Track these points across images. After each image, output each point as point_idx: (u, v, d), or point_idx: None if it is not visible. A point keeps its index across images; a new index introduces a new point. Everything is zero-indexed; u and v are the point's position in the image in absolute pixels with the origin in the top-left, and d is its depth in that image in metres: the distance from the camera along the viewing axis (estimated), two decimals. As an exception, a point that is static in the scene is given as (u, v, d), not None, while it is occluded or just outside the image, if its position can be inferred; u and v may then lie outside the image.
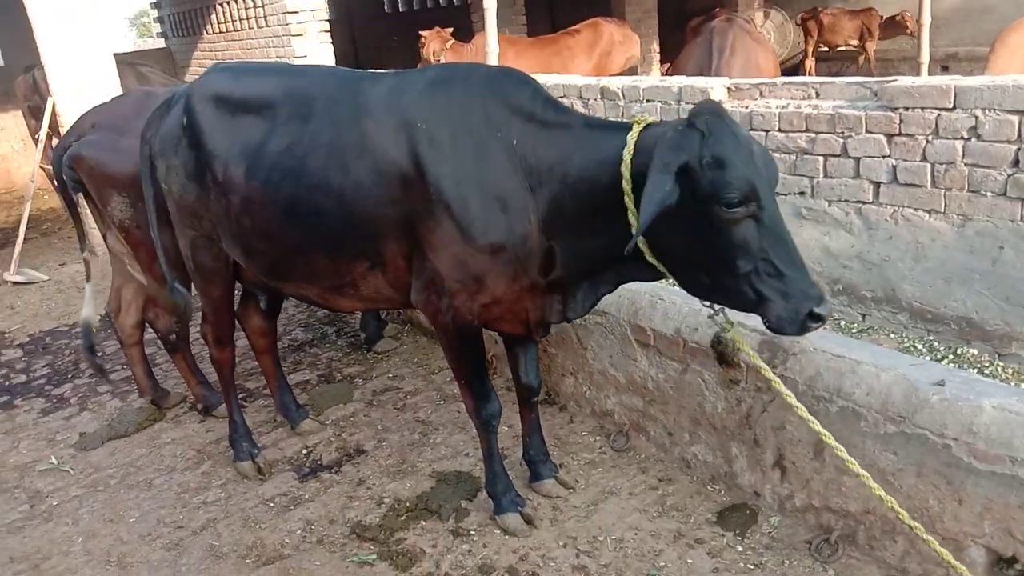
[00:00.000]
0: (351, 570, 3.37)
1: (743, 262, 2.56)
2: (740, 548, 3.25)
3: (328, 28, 9.02)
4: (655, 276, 2.95)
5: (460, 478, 3.88)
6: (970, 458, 2.69)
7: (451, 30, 10.72)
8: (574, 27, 11.01)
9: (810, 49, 13.61)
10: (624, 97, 5.67)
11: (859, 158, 4.48)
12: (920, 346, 4.37)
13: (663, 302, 3.77)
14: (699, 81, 5.30)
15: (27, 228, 8.33)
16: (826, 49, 13.68)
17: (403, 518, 3.64)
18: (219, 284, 3.92)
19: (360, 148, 3.12)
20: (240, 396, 4.64)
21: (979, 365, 4.10)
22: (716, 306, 2.89)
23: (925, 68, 7.35)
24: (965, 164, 4.08)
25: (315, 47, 8.85)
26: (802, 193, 4.78)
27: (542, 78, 5.86)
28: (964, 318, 4.25)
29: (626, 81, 5.78)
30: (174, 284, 3.90)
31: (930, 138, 4.16)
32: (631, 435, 4.01)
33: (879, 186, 4.46)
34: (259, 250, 3.53)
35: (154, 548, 3.64)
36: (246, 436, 4.23)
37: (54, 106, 8.00)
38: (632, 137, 2.74)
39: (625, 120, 3.01)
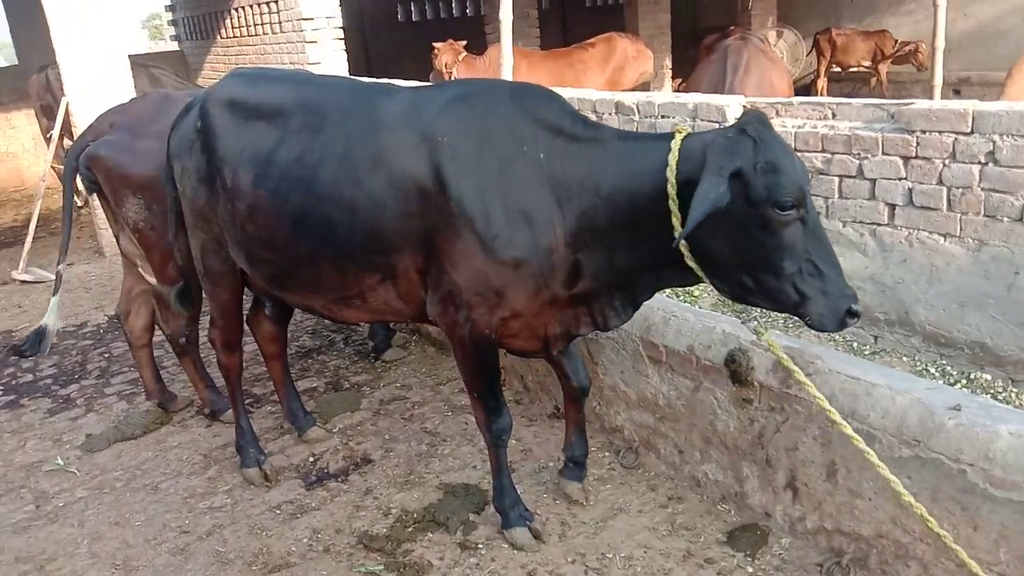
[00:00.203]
0: (357, 580, 3.36)
1: (789, 263, 2.67)
2: (750, 569, 3.22)
3: (342, 35, 9.04)
4: (693, 280, 2.99)
5: (468, 490, 3.86)
6: (986, 484, 2.67)
7: (464, 42, 10.75)
8: (588, 41, 11.05)
9: (822, 69, 13.63)
10: (639, 112, 5.68)
11: (875, 180, 4.47)
12: (933, 370, 4.35)
13: (676, 319, 3.76)
14: (715, 98, 5.31)
15: (36, 227, 8.33)
16: (838, 69, 13.69)
17: (410, 529, 3.62)
18: (227, 288, 3.91)
19: (376, 161, 3.12)
20: (247, 402, 4.63)
21: (992, 391, 4.08)
22: (750, 311, 2.94)
23: (938, 91, 7.35)
24: (982, 189, 4.07)
25: (329, 54, 8.87)
26: (816, 213, 4.77)
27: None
28: (978, 343, 4.24)
29: (641, 96, 5.79)
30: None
31: (947, 162, 4.16)
32: (641, 452, 3.99)
33: (894, 208, 4.45)
34: (264, 258, 3.53)
35: (160, 552, 3.62)
36: (253, 442, 4.21)
37: (67, 106, 8.02)
38: (676, 145, 2.78)
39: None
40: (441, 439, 4.36)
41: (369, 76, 11.14)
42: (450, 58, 10.46)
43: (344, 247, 3.24)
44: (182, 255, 3.92)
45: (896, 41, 12.83)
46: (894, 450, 2.90)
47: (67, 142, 8.45)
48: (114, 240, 4.78)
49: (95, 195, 4.40)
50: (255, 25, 9.87)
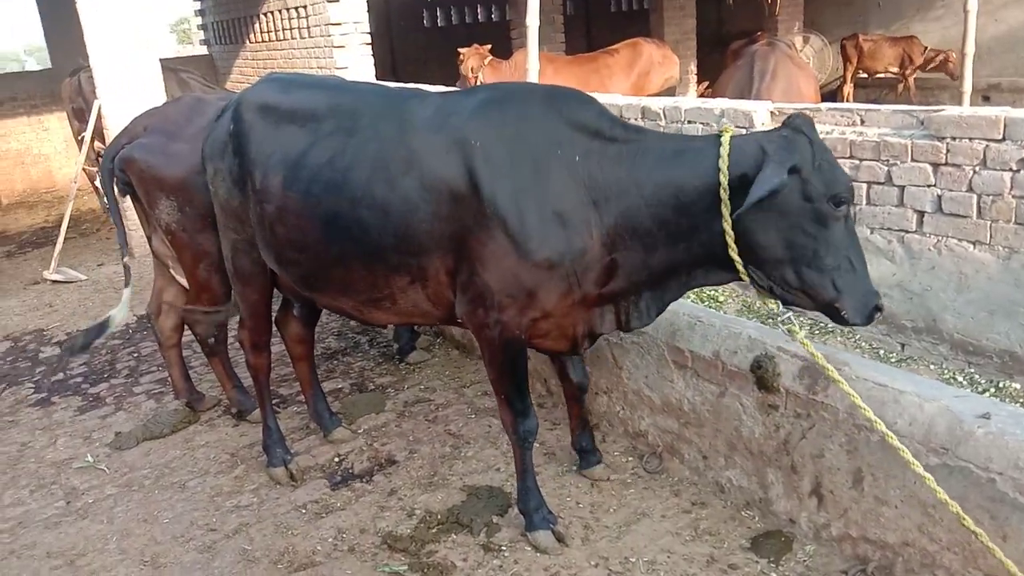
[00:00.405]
0: (382, 580, 3.38)
1: (832, 258, 2.83)
2: (774, 575, 3.21)
3: (369, 40, 9.10)
4: (722, 280, 3.15)
5: (491, 493, 3.87)
6: (1016, 494, 2.65)
7: (489, 47, 10.79)
8: (613, 46, 11.05)
9: (849, 75, 13.52)
10: (665, 117, 5.68)
11: (903, 186, 4.45)
12: (960, 378, 4.31)
13: (702, 324, 3.75)
14: (742, 104, 5.30)
15: (67, 228, 8.46)
16: (865, 76, 13.58)
17: (434, 530, 3.64)
18: (257, 289, 3.96)
19: (408, 164, 3.16)
20: (274, 402, 4.68)
21: (1021, 400, 4.03)
22: (785, 308, 3.02)
23: (967, 97, 7.29)
24: (1013, 196, 4.04)
25: (356, 59, 8.93)
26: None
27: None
28: (1007, 351, 4.20)
29: (668, 101, 5.79)
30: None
31: (977, 169, 4.13)
32: (664, 457, 3.99)
33: (923, 215, 4.43)
34: (295, 260, 3.57)
35: (187, 550, 3.67)
36: (280, 442, 4.25)
37: (99, 109, 8.13)
38: (726, 141, 2.88)
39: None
40: (465, 441, 4.38)
41: (395, 80, 11.23)
42: (476, 63, 10.49)
43: (375, 249, 3.28)
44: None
45: (925, 48, 12.70)
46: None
47: (98, 145, 8.57)
48: (144, 241, 4.86)
49: (128, 197, 4.45)
50: (284, 30, 9.96)
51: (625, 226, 3.03)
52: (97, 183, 8.35)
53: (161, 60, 8.34)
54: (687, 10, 13.30)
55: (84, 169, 9.08)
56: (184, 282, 4.52)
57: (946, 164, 4.25)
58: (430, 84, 7.40)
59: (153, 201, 4.24)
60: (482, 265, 3.08)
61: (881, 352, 4.72)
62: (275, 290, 4.05)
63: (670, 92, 11.08)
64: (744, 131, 4.84)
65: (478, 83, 10.14)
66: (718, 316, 3.81)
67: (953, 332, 4.42)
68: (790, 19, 13.93)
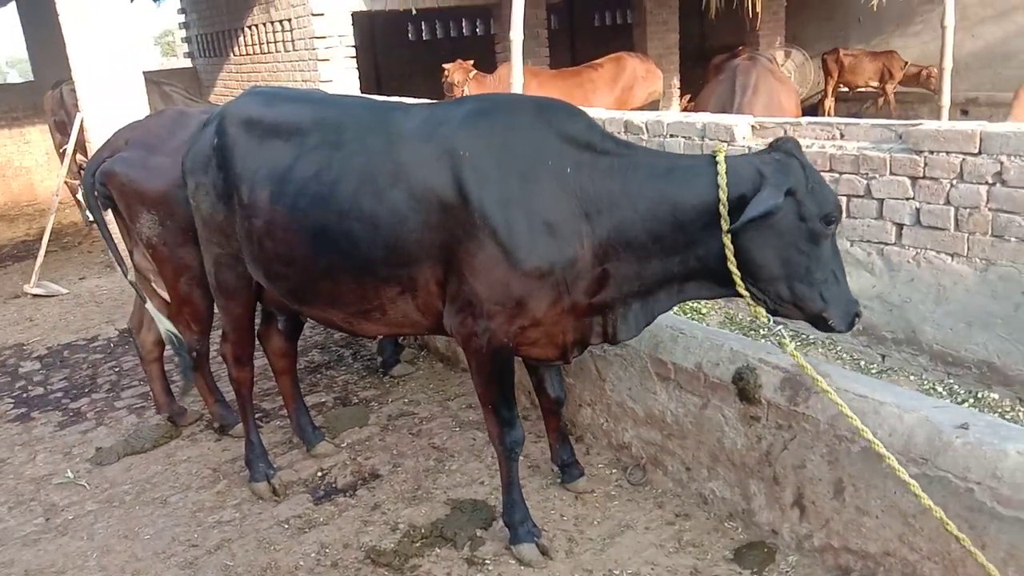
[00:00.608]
0: (365, 595, 3.37)
1: (820, 272, 2.98)
2: (757, 587, 3.22)
3: (354, 54, 9.13)
4: (712, 294, 3.27)
5: (475, 506, 3.87)
6: (993, 503, 2.67)
7: (472, 61, 10.83)
8: (597, 61, 11.11)
9: (830, 89, 13.66)
10: (648, 131, 5.72)
11: (882, 199, 4.49)
12: (940, 389, 4.35)
13: (684, 336, 3.77)
14: (724, 118, 5.35)
15: (48, 242, 8.40)
16: (846, 89, 13.73)
17: (418, 544, 3.63)
18: (240, 303, 3.95)
19: (396, 175, 3.16)
20: (256, 416, 4.65)
21: (1000, 409, 4.08)
22: (775, 321, 3.13)
23: (946, 112, 7.37)
24: (989, 209, 4.09)
25: (341, 72, 8.96)
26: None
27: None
28: (985, 362, 4.24)
29: (650, 115, 5.83)
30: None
31: (954, 182, 4.18)
32: (648, 469, 3.99)
33: (902, 228, 4.47)
34: (283, 274, 3.56)
35: (168, 566, 3.64)
36: (262, 456, 4.22)
37: (82, 122, 8.10)
38: (721, 160, 3.00)
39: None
40: (449, 455, 4.37)
41: (380, 94, 11.24)
42: (460, 77, 10.53)
43: (364, 261, 3.28)
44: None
45: (905, 62, 12.86)
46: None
47: (80, 158, 8.53)
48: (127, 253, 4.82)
49: (109, 211, 4.43)
50: (269, 43, 9.98)
51: (618, 239, 3.08)
52: (79, 196, 8.29)
53: (144, 73, 8.32)
54: (670, 25, 13.39)
55: (66, 182, 9.03)
56: (165, 296, 4.50)
57: (924, 177, 4.31)
58: (415, 97, 7.42)
59: (134, 215, 4.23)
60: (472, 274, 3.09)
61: (862, 363, 4.76)
62: (257, 303, 4.04)
63: (654, 106, 11.15)
64: (725, 145, 4.89)
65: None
66: (700, 328, 3.83)
67: (932, 343, 4.46)
68: (771, 34, 14.06)
